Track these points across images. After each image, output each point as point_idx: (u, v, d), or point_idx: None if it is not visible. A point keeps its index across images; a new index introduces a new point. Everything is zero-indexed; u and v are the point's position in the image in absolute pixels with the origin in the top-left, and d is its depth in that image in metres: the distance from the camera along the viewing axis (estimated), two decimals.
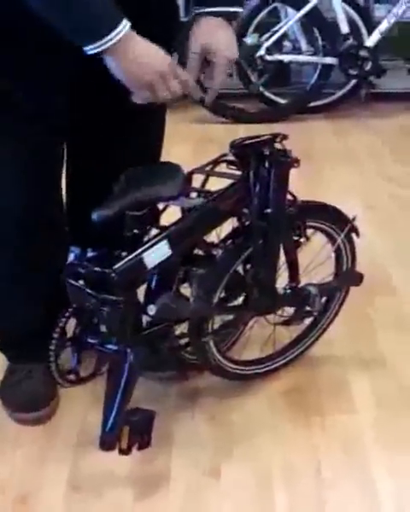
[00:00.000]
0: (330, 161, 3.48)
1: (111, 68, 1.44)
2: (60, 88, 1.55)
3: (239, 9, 1.61)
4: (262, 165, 1.66)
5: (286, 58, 4.02)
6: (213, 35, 1.59)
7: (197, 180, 1.70)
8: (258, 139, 1.68)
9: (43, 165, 1.60)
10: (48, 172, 1.64)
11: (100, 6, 1.38)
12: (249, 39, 3.90)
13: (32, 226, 1.63)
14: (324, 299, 1.91)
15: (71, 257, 1.62)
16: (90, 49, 1.39)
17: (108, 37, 1.38)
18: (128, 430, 1.54)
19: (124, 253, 1.56)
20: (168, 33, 1.67)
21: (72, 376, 1.68)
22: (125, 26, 1.39)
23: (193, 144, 3.58)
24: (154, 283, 1.65)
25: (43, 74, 1.51)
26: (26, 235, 1.64)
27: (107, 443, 1.56)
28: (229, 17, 1.61)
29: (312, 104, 4.13)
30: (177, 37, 1.71)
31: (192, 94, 1.57)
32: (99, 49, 1.39)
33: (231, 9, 1.60)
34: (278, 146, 1.68)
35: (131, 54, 1.42)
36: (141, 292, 1.65)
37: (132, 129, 1.72)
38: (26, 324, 1.76)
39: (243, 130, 3.70)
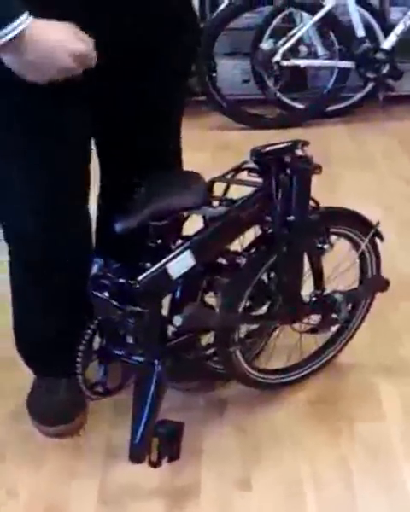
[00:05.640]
0: (348, 165, 3.45)
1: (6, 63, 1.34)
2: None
3: None
4: (284, 173, 1.65)
5: (302, 63, 4.01)
6: None
7: (219, 188, 1.69)
8: (279, 146, 1.67)
9: (54, 175, 1.59)
10: (74, 179, 1.62)
11: None
12: (265, 45, 3.89)
13: (56, 240, 1.63)
14: (350, 306, 1.89)
15: (94, 268, 1.62)
16: None
17: (6, 29, 1.27)
18: (157, 442, 1.53)
19: (148, 264, 1.55)
20: (192, 43, 1.67)
21: (99, 388, 1.67)
22: (26, 19, 1.29)
23: (211, 151, 3.57)
24: (178, 294, 1.64)
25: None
26: (50, 249, 1.63)
27: (136, 455, 1.55)
28: None
29: (329, 108, 4.10)
30: (199, 45, 1.71)
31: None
32: None
33: None
34: (299, 152, 1.67)
35: (31, 54, 1.32)
36: (166, 302, 1.64)
37: (148, 132, 1.70)
38: (50, 338, 1.76)
39: (260, 137, 3.68)
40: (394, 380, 1.94)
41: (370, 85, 4.10)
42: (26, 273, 1.69)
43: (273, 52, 3.89)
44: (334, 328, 1.94)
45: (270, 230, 1.70)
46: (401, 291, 2.26)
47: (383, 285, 1.92)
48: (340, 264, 1.87)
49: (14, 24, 1.29)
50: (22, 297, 1.76)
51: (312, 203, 1.71)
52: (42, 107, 1.48)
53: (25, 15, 1.30)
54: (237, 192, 1.68)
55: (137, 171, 1.66)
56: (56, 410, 1.77)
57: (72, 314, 1.71)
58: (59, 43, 1.34)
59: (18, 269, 1.70)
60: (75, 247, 1.68)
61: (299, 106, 4.11)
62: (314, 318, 1.85)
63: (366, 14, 4.01)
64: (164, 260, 1.54)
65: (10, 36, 1.29)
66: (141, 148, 1.69)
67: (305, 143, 1.67)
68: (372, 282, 1.95)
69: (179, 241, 1.60)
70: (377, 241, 1.91)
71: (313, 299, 1.80)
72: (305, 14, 4.02)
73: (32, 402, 1.82)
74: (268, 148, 1.66)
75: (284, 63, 3.91)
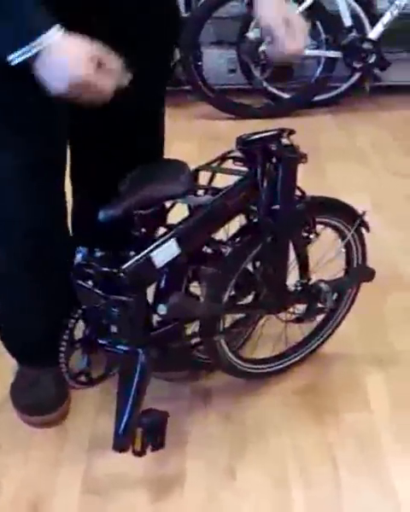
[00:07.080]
0: (336, 156, 3.45)
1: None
2: None
3: None
4: (270, 161, 1.64)
5: None
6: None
7: (204, 177, 1.68)
8: (265, 135, 1.65)
9: (45, 172, 1.58)
10: (51, 179, 1.62)
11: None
12: (252, 34, 3.88)
13: (35, 234, 1.62)
14: (335, 295, 1.88)
15: (78, 257, 1.60)
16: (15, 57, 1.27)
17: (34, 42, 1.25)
18: (141, 431, 1.52)
19: (132, 253, 1.54)
20: (171, 33, 1.66)
21: (83, 378, 1.67)
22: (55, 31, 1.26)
23: (197, 141, 3.56)
24: (163, 283, 1.63)
25: None
26: (29, 243, 1.62)
27: (120, 445, 1.54)
28: None
29: (316, 98, 4.10)
30: (179, 35, 1.69)
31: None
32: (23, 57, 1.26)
33: None
34: (285, 141, 1.66)
35: (49, 62, 1.28)
36: (150, 291, 1.63)
37: (133, 128, 1.70)
38: (33, 329, 1.75)
39: (247, 126, 3.66)
40: (380, 370, 1.94)
41: (357, 75, 4.10)
42: (24, 272, 1.68)
43: (260, 41, 3.87)
44: (319, 318, 1.93)
45: (255, 219, 1.70)
46: (390, 282, 2.27)
47: (369, 275, 1.91)
48: (326, 254, 1.86)
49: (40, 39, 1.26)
50: (10, 294, 1.74)
51: (298, 192, 1.70)
52: (34, 105, 1.47)
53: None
54: (223, 181, 1.67)
55: (127, 167, 1.64)
56: (40, 399, 1.76)
57: (58, 305, 1.69)
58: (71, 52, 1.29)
59: (15, 268, 1.68)
60: (65, 240, 1.69)
61: (285, 96, 4.10)
62: (300, 308, 1.84)
63: (353, 4, 4.00)
64: (148, 249, 1.53)
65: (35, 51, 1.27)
66: (140, 147, 1.70)
67: (291, 132, 1.66)
68: (358, 272, 1.95)
69: (164, 230, 1.59)
70: (363, 230, 1.90)
71: (299, 288, 1.80)
72: (291, 4, 4.01)
73: (16, 392, 1.81)
74: (254, 137, 1.65)
75: None
